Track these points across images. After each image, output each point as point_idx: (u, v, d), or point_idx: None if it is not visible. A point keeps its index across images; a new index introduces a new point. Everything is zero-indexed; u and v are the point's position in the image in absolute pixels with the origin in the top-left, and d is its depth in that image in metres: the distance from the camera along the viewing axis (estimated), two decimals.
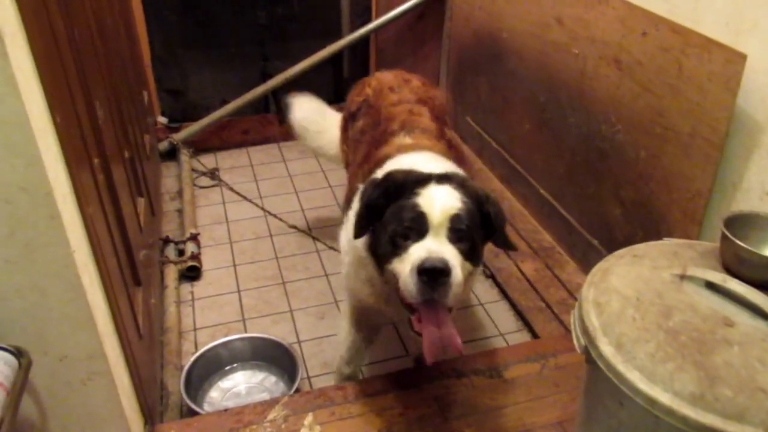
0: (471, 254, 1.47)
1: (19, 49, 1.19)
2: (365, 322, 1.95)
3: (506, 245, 1.59)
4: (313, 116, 2.58)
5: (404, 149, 1.74)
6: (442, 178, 1.50)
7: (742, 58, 1.70)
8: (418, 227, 1.42)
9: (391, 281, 1.52)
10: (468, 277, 1.49)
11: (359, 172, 1.82)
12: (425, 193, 1.44)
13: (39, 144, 1.21)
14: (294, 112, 2.63)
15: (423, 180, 1.48)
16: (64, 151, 1.36)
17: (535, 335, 2.35)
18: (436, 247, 1.40)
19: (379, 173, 1.61)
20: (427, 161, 1.64)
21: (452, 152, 1.84)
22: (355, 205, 1.63)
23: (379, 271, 1.55)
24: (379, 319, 1.93)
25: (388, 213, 1.47)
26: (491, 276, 2.66)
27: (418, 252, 1.39)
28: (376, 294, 1.68)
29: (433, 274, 1.35)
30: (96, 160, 1.68)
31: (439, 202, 1.43)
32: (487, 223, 1.52)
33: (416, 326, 1.49)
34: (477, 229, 1.49)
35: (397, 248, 1.44)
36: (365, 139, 1.97)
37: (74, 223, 1.38)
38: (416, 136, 1.83)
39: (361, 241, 1.58)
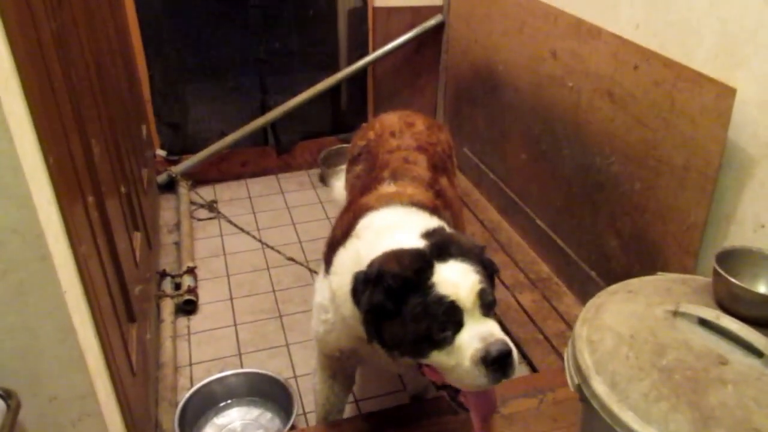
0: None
1: (11, 92, 1.20)
2: (340, 371, 1.88)
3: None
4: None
5: (384, 199, 1.69)
6: (442, 252, 1.41)
7: (732, 92, 1.71)
8: (455, 318, 1.34)
9: (407, 364, 1.48)
10: None
11: (343, 217, 1.79)
12: (443, 281, 1.36)
13: (31, 186, 1.21)
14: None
15: (425, 264, 1.38)
16: (56, 191, 1.36)
17: (533, 368, 2.33)
18: (485, 331, 1.34)
19: (361, 253, 1.50)
20: (397, 220, 1.58)
21: (439, 201, 1.79)
22: (340, 274, 1.54)
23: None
24: (356, 362, 1.85)
25: (408, 314, 1.37)
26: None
27: (470, 342, 1.33)
28: (360, 340, 1.58)
29: (500, 359, 1.31)
30: (90, 198, 1.69)
31: (462, 284, 1.36)
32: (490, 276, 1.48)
33: (463, 399, 1.45)
34: (492, 290, 1.45)
35: (436, 343, 1.35)
36: (358, 185, 1.96)
37: (66, 263, 1.38)
38: (402, 185, 1.78)
39: (351, 307, 1.49)
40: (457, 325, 1.35)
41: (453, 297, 1.34)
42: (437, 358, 1.37)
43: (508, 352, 1.31)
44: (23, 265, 1.26)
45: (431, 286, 1.35)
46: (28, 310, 1.31)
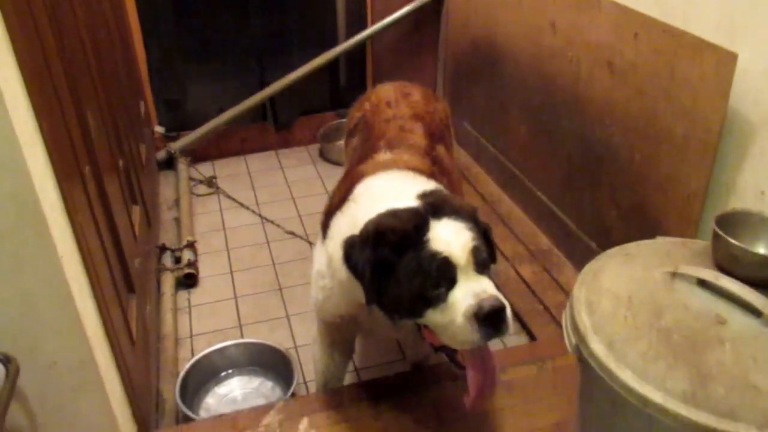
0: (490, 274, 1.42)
1: (4, 60, 1.19)
2: (341, 338, 1.88)
3: (493, 259, 1.51)
4: None
5: (381, 166, 1.68)
6: (436, 211, 1.41)
7: (733, 58, 1.69)
8: (448, 274, 1.34)
9: (406, 327, 1.48)
10: None
11: (340, 185, 1.77)
12: (436, 237, 1.36)
13: (25, 153, 1.21)
14: None
15: (420, 222, 1.38)
16: (51, 160, 1.36)
17: (532, 338, 2.34)
18: (479, 288, 1.34)
19: (358, 217, 1.49)
20: (393, 182, 1.58)
21: (436, 167, 1.79)
22: (337, 239, 1.52)
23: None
24: (355, 329, 1.85)
25: (402, 270, 1.37)
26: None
27: (463, 299, 1.33)
28: (359, 306, 1.57)
29: (493, 316, 1.30)
30: (87, 169, 1.68)
31: (457, 241, 1.35)
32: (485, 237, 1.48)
33: (461, 361, 1.45)
34: (486, 248, 1.44)
35: (430, 300, 1.36)
36: (355, 156, 1.95)
37: (63, 231, 1.38)
38: (398, 152, 1.78)
39: (347, 272, 1.48)
40: (451, 281, 1.35)
41: (446, 253, 1.34)
42: (432, 316, 1.37)
43: (501, 308, 1.31)
44: (19, 232, 1.26)
45: (425, 243, 1.35)
46: (26, 277, 1.31)
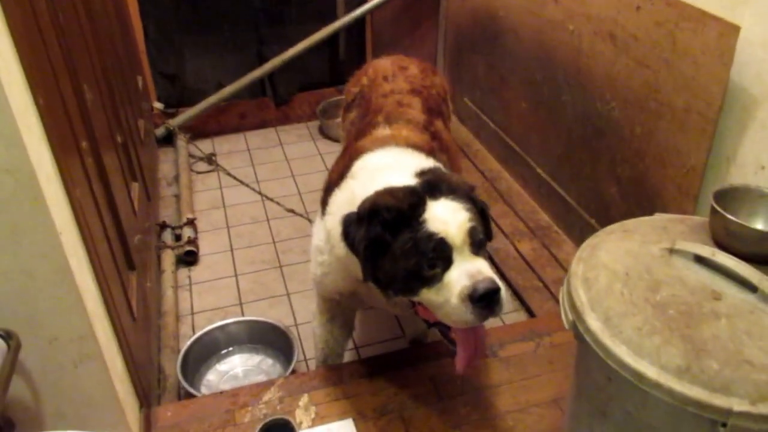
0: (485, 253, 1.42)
1: None
2: (340, 314, 1.90)
3: (489, 236, 1.52)
4: None
5: (379, 141, 1.68)
6: (433, 190, 1.41)
7: (735, 30, 1.67)
8: (444, 254, 1.34)
9: (401, 303, 1.49)
10: None
11: (339, 161, 1.77)
12: (433, 217, 1.36)
13: (20, 125, 1.20)
14: None
15: (416, 201, 1.38)
16: (47, 132, 1.35)
17: (531, 314, 2.35)
18: (474, 268, 1.34)
19: (356, 193, 1.49)
20: (392, 160, 1.57)
21: (435, 143, 1.78)
22: (335, 214, 1.53)
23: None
24: (354, 304, 1.86)
25: (398, 249, 1.36)
26: (488, 256, 2.65)
27: (458, 279, 1.33)
28: (358, 282, 1.58)
29: (487, 297, 1.31)
30: (84, 143, 1.67)
31: (452, 222, 1.35)
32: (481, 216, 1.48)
33: (453, 335, 1.46)
34: (482, 229, 1.44)
35: (425, 280, 1.36)
36: (353, 131, 1.94)
37: (60, 205, 1.37)
38: (396, 127, 1.77)
39: (345, 247, 1.49)
40: (446, 262, 1.35)
41: (442, 234, 1.34)
42: (427, 295, 1.38)
43: (496, 290, 1.32)
44: (16, 205, 1.26)
45: (422, 222, 1.35)
46: (24, 252, 1.31)
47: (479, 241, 1.38)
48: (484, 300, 1.31)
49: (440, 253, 1.34)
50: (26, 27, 1.35)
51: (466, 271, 1.34)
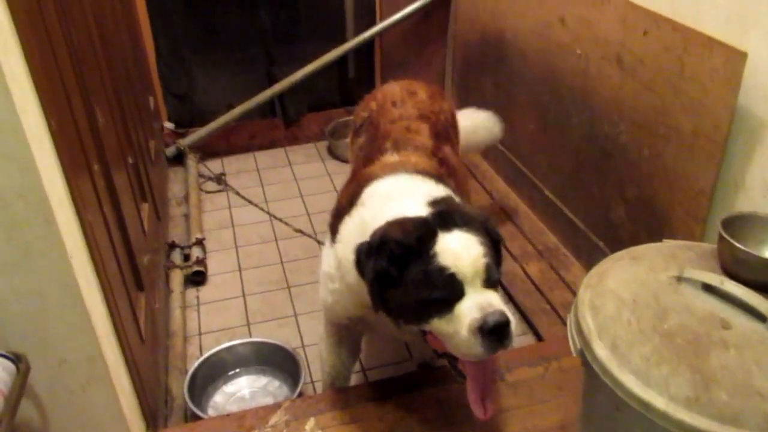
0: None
1: (11, 53, 1.20)
2: (348, 337, 1.89)
3: (499, 267, 1.49)
4: None
5: (389, 168, 1.67)
6: (446, 222, 1.40)
7: (743, 56, 1.68)
8: (455, 289, 1.34)
9: (411, 332, 1.48)
10: None
11: (348, 187, 1.77)
12: (443, 250, 1.35)
13: (33, 149, 1.22)
14: None
15: (428, 233, 1.37)
16: (60, 156, 1.37)
17: (539, 337, 2.34)
18: (485, 301, 1.33)
19: (367, 221, 1.49)
20: (403, 187, 1.57)
21: (443, 169, 1.78)
22: (346, 243, 1.53)
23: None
24: (363, 329, 1.86)
25: (410, 282, 1.36)
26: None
27: (469, 312, 1.32)
28: (368, 309, 1.56)
29: (497, 330, 1.30)
30: (95, 166, 1.70)
31: (465, 257, 1.34)
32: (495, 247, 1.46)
33: (462, 367, 1.45)
34: (497, 262, 1.43)
35: (436, 311, 1.36)
36: (361, 156, 1.94)
37: (71, 228, 1.39)
38: (405, 154, 1.78)
39: (356, 275, 1.49)
40: (458, 295, 1.34)
41: (453, 269, 1.33)
42: (437, 325, 1.37)
43: (506, 323, 1.31)
44: (28, 228, 1.27)
45: (433, 256, 1.34)
46: (35, 274, 1.33)
47: (492, 278, 1.37)
48: (494, 333, 1.30)
49: (451, 287, 1.34)
50: (41, 50, 1.37)
51: (477, 303, 1.33)
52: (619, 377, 1.14)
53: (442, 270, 1.33)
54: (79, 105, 1.65)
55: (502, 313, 1.31)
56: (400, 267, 1.37)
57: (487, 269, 1.36)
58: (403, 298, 1.39)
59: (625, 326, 1.20)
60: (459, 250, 1.35)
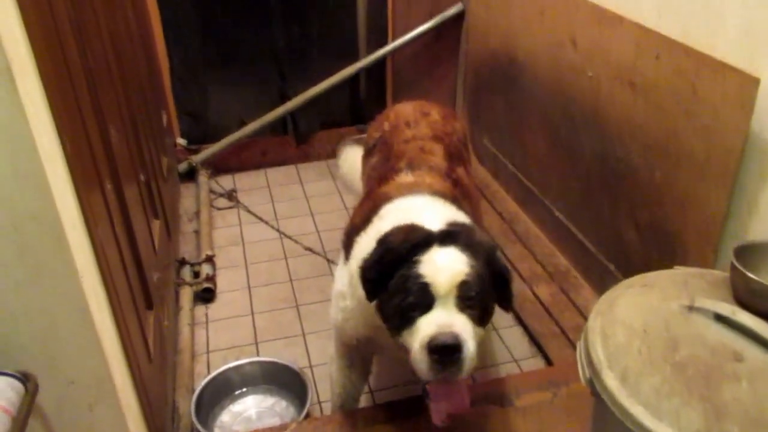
0: (483, 319, 1.39)
1: (27, 76, 1.21)
2: (358, 358, 1.89)
3: (507, 304, 1.50)
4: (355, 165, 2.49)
5: (404, 188, 1.68)
6: (447, 238, 1.40)
7: (755, 82, 1.67)
8: (424, 300, 1.33)
9: (402, 349, 1.47)
10: (481, 342, 1.41)
11: (362, 206, 1.78)
12: (428, 260, 1.35)
13: (47, 170, 1.23)
14: (340, 163, 2.69)
15: (424, 242, 1.38)
16: (73, 177, 1.38)
17: (548, 361, 2.32)
18: (444, 320, 1.31)
19: (378, 226, 1.53)
20: (423, 207, 1.57)
21: (457, 190, 1.78)
22: (360, 258, 1.54)
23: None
24: (371, 349, 1.86)
25: (393, 284, 1.38)
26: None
27: (426, 327, 1.31)
28: (377, 329, 1.57)
29: (444, 351, 1.28)
30: (108, 185, 1.71)
31: (445, 270, 1.33)
32: (498, 280, 1.45)
33: (429, 388, 1.44)
34: (488, 291, 1.40)
35: (406, 321, 1.36)
36: (375, 176, 1.95)
37: (82, 248, 1.40)
38: (419, 174, 1.78)
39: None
40: (426, 307, 1.33)
41: (428, 279, 1.33)
42: (405, 336, 1.37)
43: (454, 347, 1.28)
44: (40, 249, 1.28)
45: (415, 263, 1.35)
46: (45, 293, 1.33)
47: (469, 299, 1.34)
48: (439, 354, 1.28)
49: (421, 298, 1.33)
50: (56, 69, 1.38)
51: (438, 320, 1.31)
52: (628, 408, 1.13)
53: (418, 277, 1.33)
54: (93, 124, 1.66)
55: (455, 337, 1.28)
56: (390, 268, 1.39)
57: (465, 288, 1.33)
58: (387, 300, 1.40)
59: (635, 356, 1.19)
60: (441, 263, 1.35)
